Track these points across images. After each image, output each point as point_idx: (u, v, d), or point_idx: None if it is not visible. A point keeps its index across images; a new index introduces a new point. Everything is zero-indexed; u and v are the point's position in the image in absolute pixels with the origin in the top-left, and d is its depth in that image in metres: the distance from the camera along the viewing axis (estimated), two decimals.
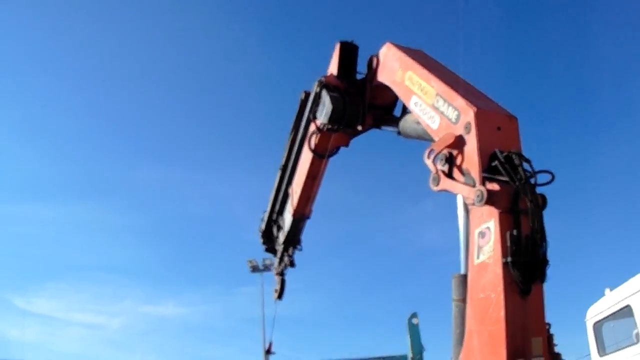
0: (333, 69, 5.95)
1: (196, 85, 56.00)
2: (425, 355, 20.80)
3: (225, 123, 56.99)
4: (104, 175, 55.01)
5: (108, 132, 55.29)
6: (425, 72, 4.75)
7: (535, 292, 3.63)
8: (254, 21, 54.15)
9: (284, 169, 7.20)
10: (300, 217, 7.30)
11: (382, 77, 5.48)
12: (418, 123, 4.87)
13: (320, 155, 6.40)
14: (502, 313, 3.52)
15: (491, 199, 3.67)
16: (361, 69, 5.88)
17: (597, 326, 9.11)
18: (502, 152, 3.80)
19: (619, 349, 8.52)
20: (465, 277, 4.01)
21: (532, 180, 3.73)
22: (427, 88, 4.62)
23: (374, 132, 6.17)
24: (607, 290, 9.03)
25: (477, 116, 3.98)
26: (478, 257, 3.78)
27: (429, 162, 4.34)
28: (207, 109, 55.26)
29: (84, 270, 53.57)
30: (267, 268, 30.87)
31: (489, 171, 3.82)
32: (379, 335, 51.20)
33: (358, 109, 5.80)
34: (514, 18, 46.72)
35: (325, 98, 5.78)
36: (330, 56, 6.05)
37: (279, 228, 7.84)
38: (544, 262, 3.64)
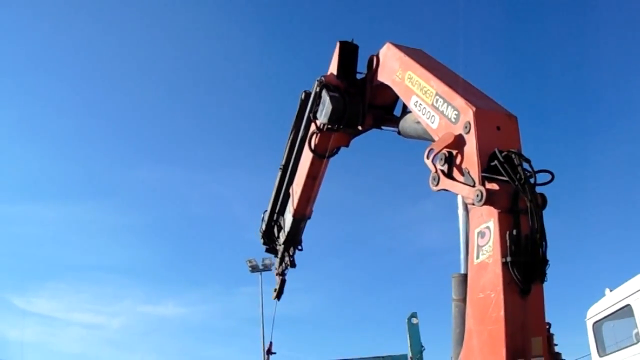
0: (333, 68, 5.95)
1: (196, 85, 55.94)
2: (425, 354, 20.79)
3: (226, 123, 56.90)
4: (104, 175, 54.93)
5: (108, 132, 55.20)
6: (424, 71, 4.75)
7: (535, 292, 3.63)
8: (254, 21, 54.04)
9: (284, 169, 7.21)
10: (301, 217, 7.31)
11: (382, 76, 5.49)
12: (418, 123, 4.87)
13: (321, 156, 6.40)
14: (502, 313, 3.52)
15: (490, 198, 3.68)
16: (361, 69, 5.88)
17: (597, 326, 9.12)
18: (501, 152, 3.80)
19: (619, 349, 8.53)
20: (465, 276, 4.01)
21: (532, 180, 3.72)
22: (426, 88, 4.63)
23: (373, 132, 6.17)
24: (607, 290, 9.04)
25: (477, 116, 3.98)
26: (478, 257, 3.78)
27: (428, 161, 4.34)
28: (207, 109, 55.17)
29: (83, 270, 53.51)
30: (266, 268, 30.91)
31: (488, 171, 3.82)
32: (378, 335, 51.09)
33: (358, 108, 5.80)
34: (514, 18, 46.66)
35: (326, 98, 5.78)
36: (330, 56, 6.05)
37: (280, 228, 7.85)
38: (543, 262, 3.64)
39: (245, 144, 59.24)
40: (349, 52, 5.89)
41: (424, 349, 20.65)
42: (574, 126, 50.65)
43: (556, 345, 4.03)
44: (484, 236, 3.75)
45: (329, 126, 5.90)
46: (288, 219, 7.47)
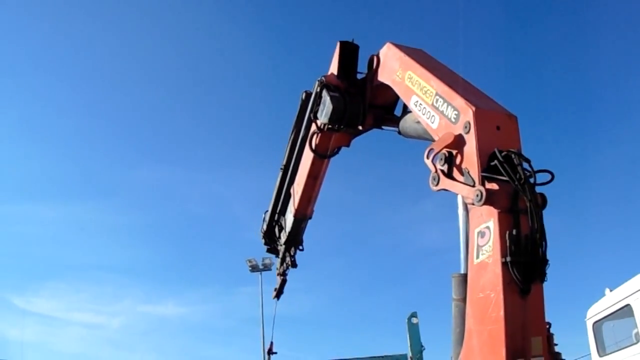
0: (333, 68, 5.95)
1: (196, 85, 55.95)
2: (424, 354, 20.77)
3: (225, 123, 56.91)
4: (104, 175, 54.92)
5: (108, 132, 55.18)
6: (424, 71, 4.75)
7: (534, 292, 3.63)
8: (254, 21, 54.11)
9: (285, 169, 7.21)
10: (302, 217, 7.31)
11: (383, 76, 5.49)
12: (418, 122, 4.88)
13: (321, 156, 6.41)
14: (502, 313, 3.52)
15: (490, 198, 3.68)
16: (362, 69, 5.88)
17: (597, 326, 9.13)
18: (501, 152, 3.80)
19: (619, 349, 8.54)
20: (465, 276, 4.00)
21: (532, 180, 3.72)
22: (426, 88, 4.63)
23: (373, 131, 6.17)
24: (607, 290, 9.05)
25: (476, 115, 3.98)
26: (477, 257, 3.78)
27: (428, 161, 4.34)
28: (207, 109, 55.17)
29: (83, 270, 53.55)
30: (266, 267, 30.92)
31: (488, 171, 3.82)
32: (378, 334, 51.12)
33: (359, 108, 5.81)
34: (513, 18, 46.64)
35: (326, 98, 5.78)
36: (330, 56, 6.05)
37: (281, 228, 7.86)
38: (543, 262, 3.64)
39: (245, 144, 59.30)
40: (349, 52, 5.89)
41: (424, 349, 20.65)
42: (574, 126, 50.66)
43: (556, 345, 4.04)
44: (483, 236, 3.75)
45: (330, 126, 5.90)
46: (289, 219, 7.48)
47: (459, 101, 4.19)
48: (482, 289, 3.72)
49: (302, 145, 6.67)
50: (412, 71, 4.92)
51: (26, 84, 51.73)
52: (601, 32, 46.55)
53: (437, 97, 4.45)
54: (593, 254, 44.81)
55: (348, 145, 6.41)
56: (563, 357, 4.05)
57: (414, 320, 20.99)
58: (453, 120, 4.19)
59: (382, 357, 23.21)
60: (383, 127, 6.08)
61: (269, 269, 30.67)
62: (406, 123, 5.38)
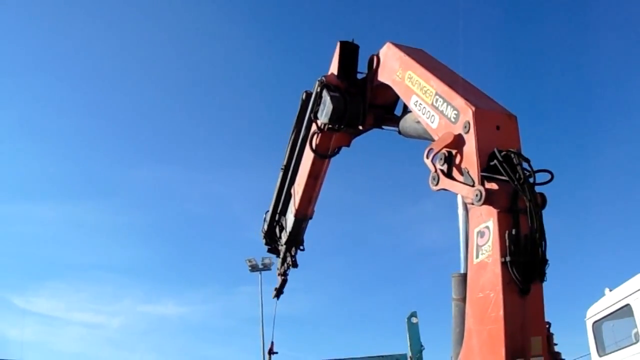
0: (334, 68, 5.95)
1: (196, 85, 56.01)
2: (424, 354, 20.77)
3: (225, 123, 56.94)
4: (104, 174, 54.97)
5: (108, 132, 55.23)
6: (424, 71, 4.75)
7: (534, 292, 3.63)
8: (254, 21, 54.15)
9: (285, 169, 7.21)
10: (303, 217, 7.31)
11: (383, 76, 5.49)
12: (418, 122, 4.88)
13: (322, 155, 6.41)
14: (501, 312, 3.52)
15: (490, 198, 3.68)
16: (362, 69, 5.88)
17: (597, 326, 9.13)
18: (500, 151, 3.80)
19: (619, 349, 8.55)
20: (465, 276, 4.00)
21: (531, 180, 3.73)
22: (426, 87, 4.63)
23: (373, 131, 6.17)
24: (606, 290, 9.05)
25: (476, 115, 3.98)
26: (477, 257, 3.78)
27: (428, 161, 4.34)
28: (207, 109, 55.18)
29: (83, 269, 53.64)
30: (266, 267, 30.92)
31: (488, 170, 3.82)
32: (378, 334, 51.12)
33: (359, 108, 5.81)
34: (513, 18, 46.67)
35: (326, 98, 5.78)
36: (331, 56, 6.06)
37: (282, 228, 7.86)
38: (543, 262, 3.64)
39: (245, 143, 59.33)
40: (349, 52, 5.89)
41: (424, 349, 20.65)
42: (574, 126, 50.65)
43: (556, 344, 4.05)
44: (483, 236, 3.75)
45: (330, 126, 5.91)
46: (290, 219, 7.48)
47: (458, 101, 4.19)
48: (481, 288, 3.72)
49: (302, 146, 6.67)
50: (412, 71, 4.92)
51: (26, 84, 51.85)
52: (601, 32, 46.62)
53: (437, 96, 4.45)
54: (593, 254, 44.87)
55: (348, 145, 6.42)
56: (563, 356, 4.06)
57: (414, 319, 20.99)
58: (453, 120, 4.19)
59: (382, 356, 23.21)
60: (383, 127, 6.08)
61: (269, 269, 30.68)
62: (406, 123, 5.38)
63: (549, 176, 3.84)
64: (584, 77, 48.92)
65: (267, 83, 55.40)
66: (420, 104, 4.67)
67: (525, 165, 3.76)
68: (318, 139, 6.26)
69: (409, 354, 20.80)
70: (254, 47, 54.19)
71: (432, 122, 4.47)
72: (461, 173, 4.03)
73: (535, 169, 3.78)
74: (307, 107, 6.35)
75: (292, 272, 8.27)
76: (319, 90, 5.95)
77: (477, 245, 3.80)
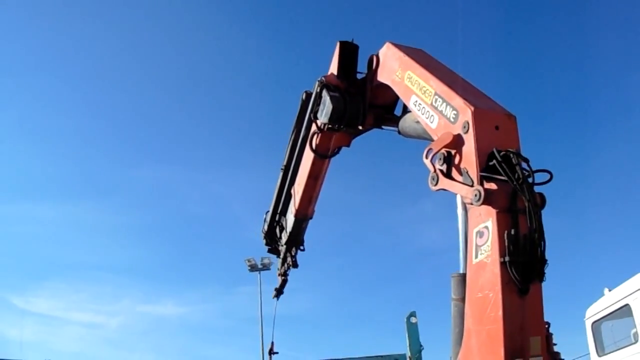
0: (333, 68, 5.95)
1: (196, 85, 56.01)
2: (423, 354, 20.74)
3: (225, 123, 56.98)
4: (103, 174, 55.03)
5: (108, 132, 55.31)
6: (424, 71, 4.75)
7: (533, 292, 3.62)
8: (254, 21, 54.13)
9: (285, 169, 7.21)
10: (303, 217, 7.31)
11: (382, 76, 5.49)
12: (418, 122, 4.88)
13: (322, 156, 6.41)
14: (500, 312, 3.52)
15: (489, 198, 3.68)
16: (361, 69, 5.88)
17: (596, 326, 9.15)
18: (499, 151, 3.80)
19: (618, 349, 8.56)
20: (464, 276, 4.00)
21: (530, 180, 3.72)
22: (426, 87, 4.63)
23: (374, 131, 6.18)
24: (606, 290, 9.06)
25: (475, 115, 3.98)
26: (476, 257, 3.78)
27: (427, 161, 4.34)
28: (207, 109, 55.25)
29: (83, 269, 53.66)
30: (265, 267, 30.93)
31: (487, 170, 3.81)
32: (377, 334, 51.15)
33: (359, 108, 5.81)
34: (512, 17, 46.66)
35: (326, 98, 5.78)
36: (330, 56, 6.06)
37: (282, 229, 7.86)
38: (542, 262, 3.64)
39: (244, 144, 59.33)
40: (349, 52, 5.89)
41: (423, 349, 20.62)
42: (573, 126, 50.67)
43: (555, 344, 4.05)
44: (482, 236, 3.75)
45: (330, 126, 5.91)
46: (290, 219, 7.47)
47: (457, 101, 4.19)
48: (480, 288, 3.72)
49: (302, 146, 6.67)
50: (412, 71, 4.93)
51: (26, 84, 51.86)
52: (600, 32, 46.63)
53: (436, 96, 4.45)
54: (592, 254, 44.95)
55: (348, 145, 6.42)
56: (562, 356, 4.07)
57: (413, 319, 20.96)
58: (452, 120, 4.19)
59: (381, 356, 23.20)
60: (383, 127, 6.08)
61: (268, 269, 30.70)
62: (406, 123, 5.39)
63: (548, 176, 3.83)
64: (583, 77, 49.03)
65: (267, 83, 55.46)
66: (420, 103, 4.67)
67: (524, 165, 3.76)
68: (318, 139, 6.26)
69: (408, 354, 20.77)
70: (254, 47, 54.24)
71: (432, 122, 4.47)
72: (460, 173, 4.03)
73: (534, 168, 3.78)
74: (307, 107, 6.35)
75: (292, 271, 8.27)
76: (318, 90, 5.95)
77: (476, 245, 3.80)
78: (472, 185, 3.86)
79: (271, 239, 8.16)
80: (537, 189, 3.76)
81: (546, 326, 3.86)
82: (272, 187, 7.71)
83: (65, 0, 50.09)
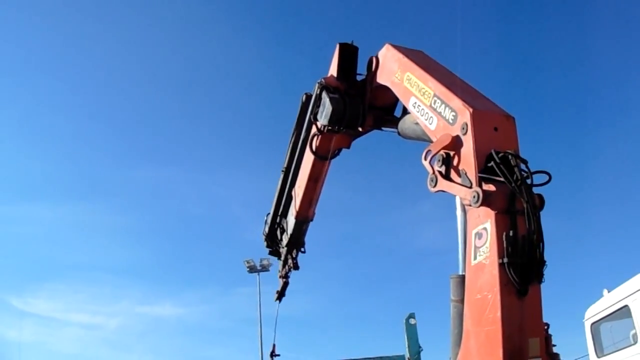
0: (333, 70, 5.96)
1: (195, 86, 55.97)
2: (422, 355, 20.66)
3: (225, 124, 56.98)
4: (102, 175, 55.03)
5: (107, 133, 55.23)
6: (423, 73, 4.76)
7: (532, 293, 3.62)
8: (254, 21, 54.15)
9: (286, 171, 7.22)
10: (304, 219, 7.32)
11: (382, 78, 5.50)
12: (417, 124, 4.88)
13: (322, 157, 6.42)
14: (499, 314, 3.52)
15: (487, 199, 3.68)
16: (361, 70, 5.89)
17: (595, 327, 9.15)
18: (498, 153, 3.80)
19: (617, 350, 8.56)
20: (463, 277, 4.00)
21: (529, 181, 3.72)
22: (425, 89, 4.64)
23: (373, 132, 6.19)
24: (605, 291, 9.06)
25: (474, 117, 3.98)
26: (475, 258, 3.78)
27: (426, 163, 4.34)
28: (206, 110, 55.28)
29: (81, 270, 53.58)
30: (264, 268, 30.95)
31: (485, 172, 3.82)
32: (376, 335, 51.06)
33: (358, 110, 5.81)
34: (512, 18, 46.69)
35: (326, 99, 5.79)
36: (330, 58, 6.07)
37: (283, 231, 7.86)
38: (541, 263, 3.63)
39: (244, 145, 59.39)
40: (348, 54, 5.90)
41: (422, 350, 20.58)
42: (572, 127, 50.68)
43: (554, 345, 4.06)
44: (481, 237, 3.75)
45: (330, 128, 5.92)
46: (291, 221, 7.48)
47: (456, 102, 4.19)
48: (479, 290, 3.72)
49: (302, 148, 6.68)
50: (411, 72, 4.93)
51: (26, 84, 51.85)
52: (600, 32, 46.66)
53: (435, 98, 4.46)
54: (591, 255, 44.86)
55: (348, 147, 6.42)
56: (561, 357, 4.08)
57: (412, 321, 20.93)
58: (451, 121, 4.19)
59: (380, 358, 23.15)
60: (383, 128, 6.09)
61: (267, 270, 30.72)
62: (405, 124, 5.39)
63: (546, 177, 3.83)
64: (583, 77, 49.02)
65: (267, 84, 55.49)
66: (419, 105, 4.68)
67: (523, 166, 3.76)
68: (318, 141, 6.27)
69: (407, 355, 20.75)
70: (254, 48, 54.22)
71: (431, 124, 4.48)
72: (459, 174, 4.03)
73: (533, 170, 3.78)
74: (307, 109, 6.36)
75: (292, 272, 8.27)
76: (318, 92, 5.96)
77: (475, 246, 3.80)
78: (470, 187, 3.85)
79: (272, 241, 8.17)
80: (536, 190, 3.76)
81: (545, 327, 3.86)
82: (271, 188, 7.73)
83: (65, 0, 50.16)
